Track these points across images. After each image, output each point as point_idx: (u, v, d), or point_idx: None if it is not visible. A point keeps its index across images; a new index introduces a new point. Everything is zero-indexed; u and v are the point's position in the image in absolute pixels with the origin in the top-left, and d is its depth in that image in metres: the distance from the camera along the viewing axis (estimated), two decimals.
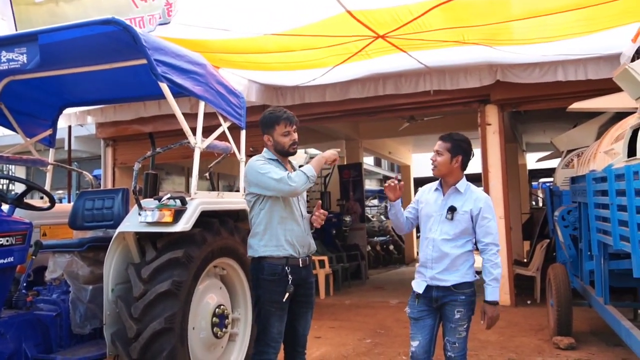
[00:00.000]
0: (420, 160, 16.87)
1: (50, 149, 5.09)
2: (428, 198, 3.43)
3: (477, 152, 8.03)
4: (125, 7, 5.54)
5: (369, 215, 16.30)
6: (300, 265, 3.33)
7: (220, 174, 13.45)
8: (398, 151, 16.16)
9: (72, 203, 4.79)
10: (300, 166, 3.61)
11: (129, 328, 3.39)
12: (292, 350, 3.47)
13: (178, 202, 3.58)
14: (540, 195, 15.87)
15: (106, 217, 4.43)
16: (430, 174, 3.43)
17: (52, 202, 4.38)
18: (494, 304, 3.24)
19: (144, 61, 3.51)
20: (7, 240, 3.34)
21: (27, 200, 4.34)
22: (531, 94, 7.70)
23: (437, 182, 3.44)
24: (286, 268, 3.26)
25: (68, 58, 3.95)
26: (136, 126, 9.38)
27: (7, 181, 16.91)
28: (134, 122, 9.31)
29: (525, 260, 9.68)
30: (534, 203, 16.84)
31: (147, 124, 9.08)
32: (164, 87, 3.57)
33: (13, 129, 4.75)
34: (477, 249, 3.34)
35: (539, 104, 8.08)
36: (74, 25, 3.42)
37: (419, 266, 3.41)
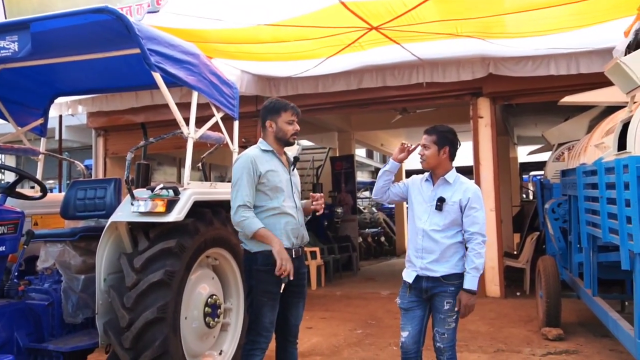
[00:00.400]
0: (413, 153, 16.81)
1: (42, 138, 5.06)
2: (419, 188, 3.45)
3: (468, 144, 8.15)
4: None
5: (361, 207, 16.33)
6: (293, 256, 3.33)
7: (212, 164, 13.41)
8: (390, 143, 16.16)
9: (63, 193, 4.77)
10: (294, 157, 3.62)
11: (121, 317, 3.40)
12: (284, 340, 3.50)
13: (171, 192, 3.58)
14: (531, 188, 15.94)
15: (98, 207, 4.41)
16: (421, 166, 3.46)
17: (44, 191, 4.36)
18: (471, 292, 3.23)
19: (137, 50, 3.49)
20: None
21: (19, 189, 4.32)
22: (523, 87, 7.72)
23: (428, 173, 3.46)
24: None
25: (60, 47, 3.92)
26: (128, 116, 9.29)
27: None
28: (126, 112, 9.23)
29: (515, 252, 9.75)
30: (524, 196, 16.91)
31: (139, 114, 9.00)
32: (157, 76, 3.55)
33: (4, 118, 4.72)
34: None
35: (531, 97, 8.12)
36: (66, 13, 3.39)
37: (408, 255, 3.43)
